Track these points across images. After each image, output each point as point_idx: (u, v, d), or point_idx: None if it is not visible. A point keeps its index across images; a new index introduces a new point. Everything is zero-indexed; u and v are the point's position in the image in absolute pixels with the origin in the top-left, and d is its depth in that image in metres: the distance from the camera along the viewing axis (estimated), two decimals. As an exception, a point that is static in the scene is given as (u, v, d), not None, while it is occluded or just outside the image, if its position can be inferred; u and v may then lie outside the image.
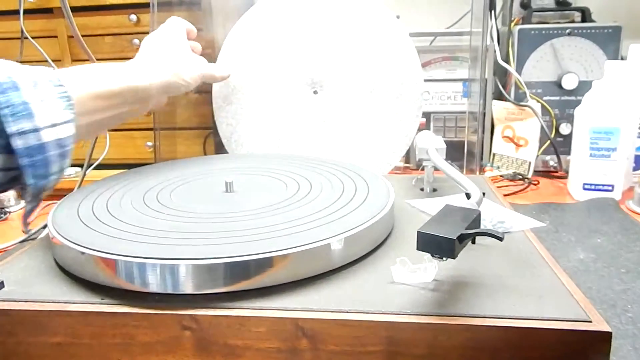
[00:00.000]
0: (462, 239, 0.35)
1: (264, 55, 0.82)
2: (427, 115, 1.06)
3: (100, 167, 0.94)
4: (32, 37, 0.90)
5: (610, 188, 0.85)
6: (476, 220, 0.38)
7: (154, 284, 0.38)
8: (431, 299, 0.37)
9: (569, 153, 0.94)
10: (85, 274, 0.41)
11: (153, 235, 0.42)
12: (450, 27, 1.16)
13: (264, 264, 0.38)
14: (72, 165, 1.01)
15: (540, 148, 1.01)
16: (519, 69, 1.01)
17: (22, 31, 0.89)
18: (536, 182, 0.96)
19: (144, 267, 0.38)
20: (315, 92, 0.82)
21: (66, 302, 0.39)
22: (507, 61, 1.02)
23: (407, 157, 1.03)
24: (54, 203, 0.54)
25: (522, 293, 0.38)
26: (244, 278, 0.38)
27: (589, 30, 0.98)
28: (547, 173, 1.03)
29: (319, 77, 0.81)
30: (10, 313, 0.39)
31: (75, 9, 0.69)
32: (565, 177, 0.98)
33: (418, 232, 0.35)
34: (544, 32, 1.00)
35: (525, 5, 1.08)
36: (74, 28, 0.70)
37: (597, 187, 0.85)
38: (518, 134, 1.01)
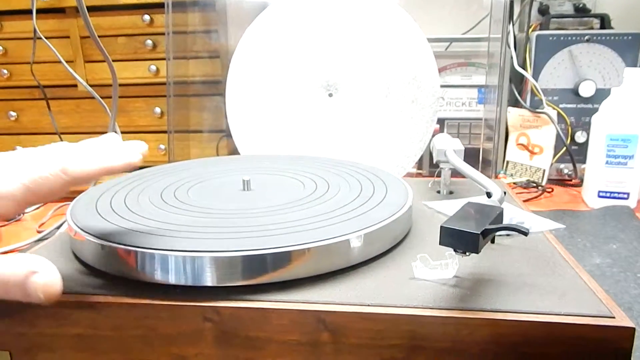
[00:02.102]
0: (486, 234, 0.35)
1: (278, 57, 0.82)
2: (441, 121, 1.05)
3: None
4: (44, 38, 0.88)
5: (625, 196, 0.84)
6: (499, 217, 0.38)
7: (176, 276, 0.38)
8: (453, 294, 0.37)
9: (583, 162, 0.93)
10: (106, 267, 0.41)
11: (173, 230, 0.42)
12: (466, 32, 1.16)
13: (284, 258, 0.38)
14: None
15: (554, 156, 1.00)
16: (535, 76, 1.01)
17: (34, 31, 0.88)
18: (550, 190, 0.96)
19: (166, 259, 0.38)
20: (330, 95, 0.82)
21: (87, 294, 0.39)
22: (523, 67, 1.01)
23: (420, 163, 1.03)
24: (68, 204, 0.55)
25: (544, 290, 0.37)
26: (265, 271, 0.38)
27: (608, 37, 0.98)
28: (561, 181, 1.02)
29: (334, 80, 0.81)
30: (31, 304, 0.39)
31: (88, 9, 0.68)
32: (579, 186, 0.97)
33: (441, 226, 0.35)
34: (562, 38, 0.99)
35: (543, 12, 1.08)
36: (90, 27, 0.70)
37: (612, 195, 0.85)
38: (533, 142, 1.01)
